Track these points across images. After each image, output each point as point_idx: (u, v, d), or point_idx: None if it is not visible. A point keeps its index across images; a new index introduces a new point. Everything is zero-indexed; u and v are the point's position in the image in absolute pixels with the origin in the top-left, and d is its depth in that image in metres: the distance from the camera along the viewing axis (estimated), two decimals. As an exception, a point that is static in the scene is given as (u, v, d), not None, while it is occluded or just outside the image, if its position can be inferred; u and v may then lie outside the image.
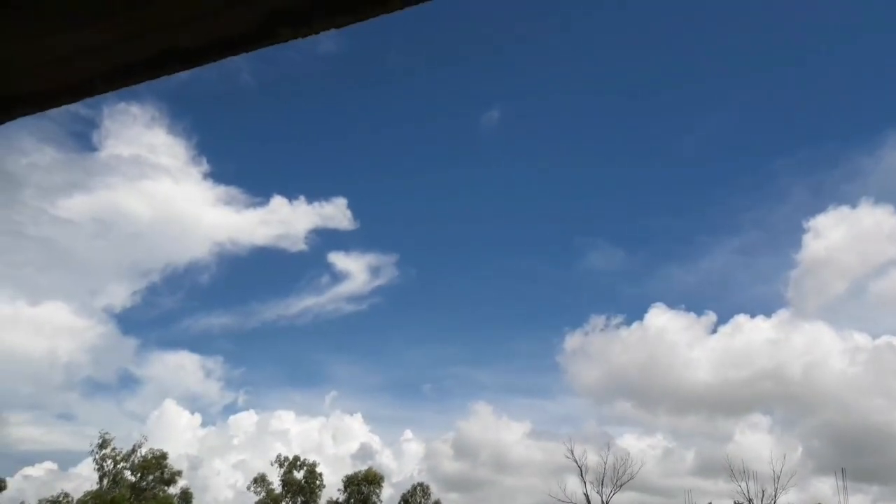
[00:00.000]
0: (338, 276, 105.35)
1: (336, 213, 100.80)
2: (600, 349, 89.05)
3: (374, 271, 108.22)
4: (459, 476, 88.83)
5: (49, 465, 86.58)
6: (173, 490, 59.92)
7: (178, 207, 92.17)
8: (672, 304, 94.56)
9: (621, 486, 50.14)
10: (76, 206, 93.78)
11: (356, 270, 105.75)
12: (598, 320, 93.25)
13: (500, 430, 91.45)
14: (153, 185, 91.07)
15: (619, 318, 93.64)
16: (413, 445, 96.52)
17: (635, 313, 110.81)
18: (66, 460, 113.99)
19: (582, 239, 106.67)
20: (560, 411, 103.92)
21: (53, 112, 2.37)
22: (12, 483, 67.45)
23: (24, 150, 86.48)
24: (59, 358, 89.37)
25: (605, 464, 50.98)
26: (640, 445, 76.38)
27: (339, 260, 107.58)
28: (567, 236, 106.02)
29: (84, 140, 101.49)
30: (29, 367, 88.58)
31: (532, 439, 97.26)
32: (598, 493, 49.93)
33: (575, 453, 51.97)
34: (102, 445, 57.17)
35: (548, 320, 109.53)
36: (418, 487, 71.14)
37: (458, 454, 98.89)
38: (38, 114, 2.42)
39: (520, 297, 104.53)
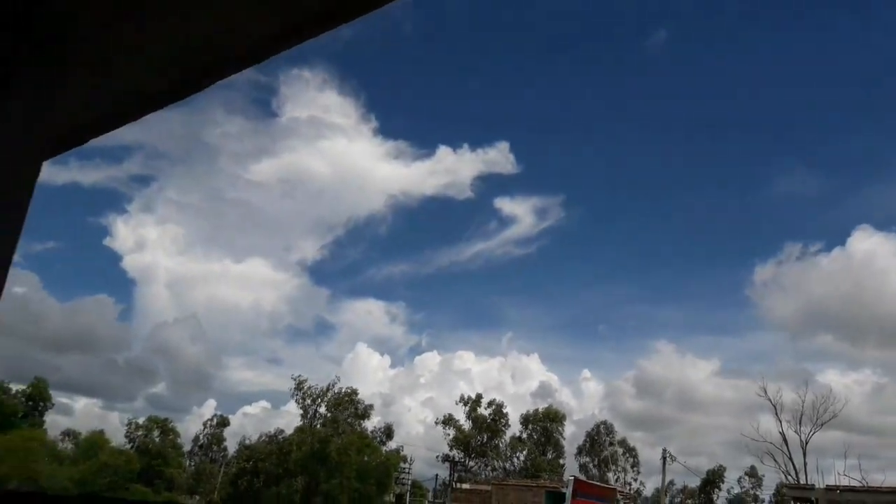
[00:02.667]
0: (505, 221, 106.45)
1: (499, 157, 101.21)
2: (796, 280, 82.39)
3: (541, 213, 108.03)
4: (643, 414, 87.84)
5: (263, 403, 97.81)
6: (368, 424, 64.92)
7: (354, 164, 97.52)
8: (880, 225, 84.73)
9: (822, 424, 46.68)
10: (265, 169, 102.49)
11: (522, 214, 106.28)
12: (793, 248, 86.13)
13: (685, 368, 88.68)
14: (330, 144, 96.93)
15: (817, 245, 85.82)
16: (592, 384, 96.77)
17: (836, 238, 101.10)
18: (277, 399, 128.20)
19: (770, 163, 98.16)
20: (750, 348, 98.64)
21: (238, 82, 2.61)
22: (234, 420, 77.28)
23: (217, 121, 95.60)
24: (263, 308, 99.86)
25: (803, 401, 47.66)
26: (844, 381, 70.70)
27: (505, 205, 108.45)
28: (753, 161, 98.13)
29: (265, 107, 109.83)
30: (240, 317, 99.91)
31: (721, 377, 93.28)
32: (795, 432, 46.95)
33: (769, 391, 49.05)
34: (299, 387, 63.13)
35: (734, 252, 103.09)
36: (602, 426, 71.20)
37: (641, 393, 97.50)
38: (225, 80, 2.66)
39: (702, 229, 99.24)
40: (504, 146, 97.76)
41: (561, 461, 69.44)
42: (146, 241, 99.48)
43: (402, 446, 66.25)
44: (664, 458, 46.20)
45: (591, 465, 69.69)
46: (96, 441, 61.47)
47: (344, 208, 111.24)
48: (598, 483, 50.44)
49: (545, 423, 70.11)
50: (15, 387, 62.37)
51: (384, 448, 63.77)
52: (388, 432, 67.57)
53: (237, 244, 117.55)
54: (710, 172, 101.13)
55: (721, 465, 71.04)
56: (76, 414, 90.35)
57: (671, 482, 72.34)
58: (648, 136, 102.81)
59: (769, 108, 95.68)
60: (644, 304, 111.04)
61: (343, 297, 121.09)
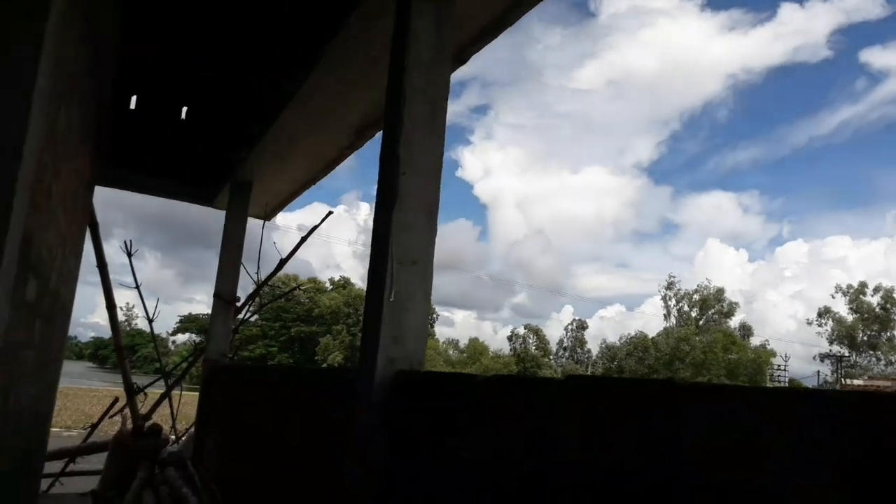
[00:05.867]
0: (876, 77, 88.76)
1: (862, 0, 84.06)
2: None
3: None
4: None
5: (618, 307, 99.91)
6: (732, 322, 62.39)
7: (682, 48, 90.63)
8: None
9: None
10: (589, 74, 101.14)
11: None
12: None
13: None
14: (653, 32, 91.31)
15: None
16: None
17: None
18: (631, 302, 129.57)
19: None
20: None
21: None
22: (591, 323, 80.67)
23: (538, 37, 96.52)
24: (605, 216, 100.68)
25: None
26: None
27: (876, 56, 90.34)
28: None
29: (583, 9, 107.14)
30: (583, 226, 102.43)
31: None
32: None
33: None
34: (669, 287, 63.22)
35: None
36: None
37: None
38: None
39: None
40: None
41: None
42: (491, 167, 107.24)
43: (766, 341, 62.27)
44: None
45: None
46: (477, 348, 70.05)
47: (677, 99, 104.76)
48: None
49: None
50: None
51: (748, 345, 60.65)
52: (747, 330, 64.09)
53: (572, 155, 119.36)
54: None
55: None
56: (456, 325, 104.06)
57: None
58: None
59: None
60: None
61: (687, 193, 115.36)
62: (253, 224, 5.79)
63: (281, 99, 3.78)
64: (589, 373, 68.63)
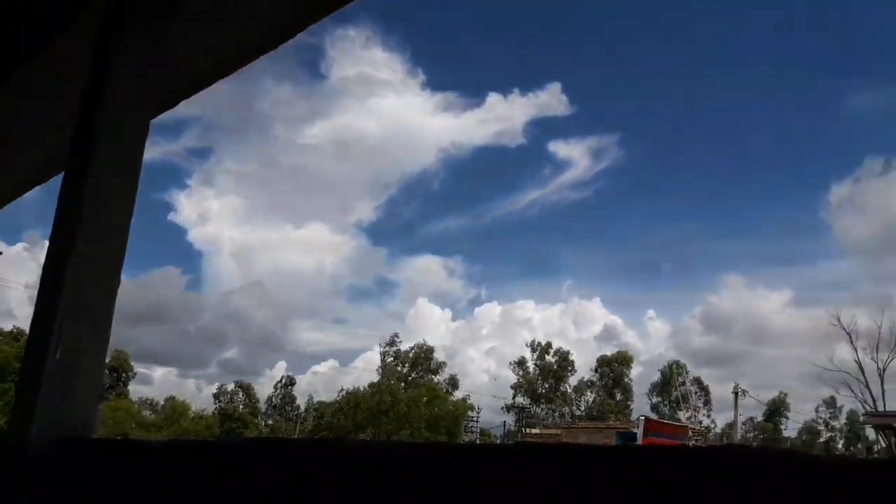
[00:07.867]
0: (560, 165, 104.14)
1: (551, 100, 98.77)
2: (877, 198, 77.61)
3: (596, 154, 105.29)
4: (711, 350, 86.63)
5: (332, 362, 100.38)
6: (439, 378, 66.84)
7: (404, 120, 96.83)
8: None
9: (902, 350, 45.21)
10: (318, 132, 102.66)
11: (577, 156, 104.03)
12: (873, 165, 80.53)
13: (756, 301, 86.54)
14: (379, 101, 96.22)
15: (899, 159, 79.89)
16: (657, 324, 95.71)
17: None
18: (346, 357, 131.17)
19: (845, 79, 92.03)
20: (824, 277, 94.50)
21: (284, 47, 2.51)
22: (305, 379, 79.97)
23: (268, 89, 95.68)
24: (325, 271, 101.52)
25: (880, 328, 46.13)
26: (928, 303, 67.54)
27: (560, 148, 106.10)
28: (825, 77, 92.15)
29: (314, 69, 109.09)
30: (303, 280, 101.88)
31: (793, 308, 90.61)
32: (872, 359, 45.62)
33: (842, 319, 47.62)
34: (391, 343, 65.78)
35: (807, 174, 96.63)
36: (674, 365, 70.63)
37: (709, 329, 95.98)
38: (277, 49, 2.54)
39: (769, 154, 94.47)
40: (555, 87, 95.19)
41: (629, 403, 69.64)
42: (209, 213, 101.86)
43: (468, 395, 67.68)
44: (736, 394, 45.67)
45: (661, 405, 69.58)
46: (177, 408, 64.61)
47: (397, 166, 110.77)
48: (669, 422, 50.36)
49: (615, 367, 70.18)
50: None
51: (451, 398, 65.27)
52: (454, 383, 69.25)
53: (296, 210, 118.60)
54: (779, 87, 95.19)
55: (782, 393, 70.22)
56: (155, 383, 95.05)
57: (751, 418, 72.00)
58: (702, 60, 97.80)
59: (849, 14, 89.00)
60: (710, 240, 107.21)
61: (401, 255, 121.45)
62: None
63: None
64: (297, 430, 67.37)
